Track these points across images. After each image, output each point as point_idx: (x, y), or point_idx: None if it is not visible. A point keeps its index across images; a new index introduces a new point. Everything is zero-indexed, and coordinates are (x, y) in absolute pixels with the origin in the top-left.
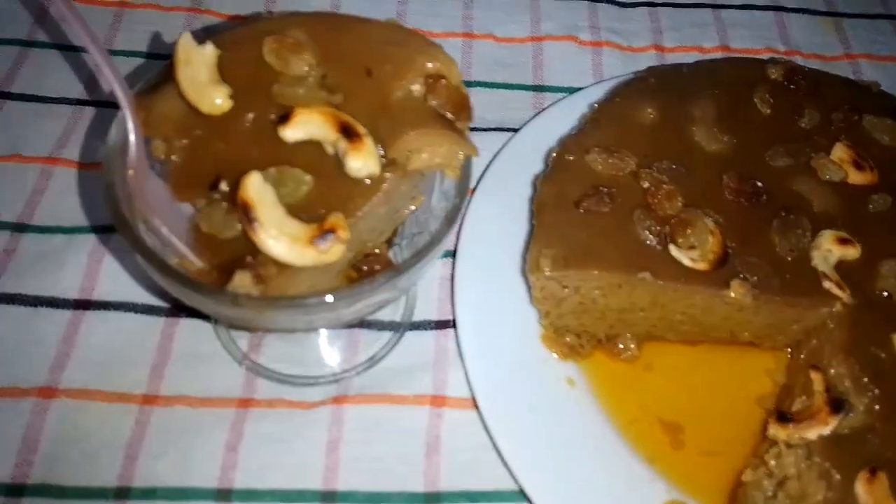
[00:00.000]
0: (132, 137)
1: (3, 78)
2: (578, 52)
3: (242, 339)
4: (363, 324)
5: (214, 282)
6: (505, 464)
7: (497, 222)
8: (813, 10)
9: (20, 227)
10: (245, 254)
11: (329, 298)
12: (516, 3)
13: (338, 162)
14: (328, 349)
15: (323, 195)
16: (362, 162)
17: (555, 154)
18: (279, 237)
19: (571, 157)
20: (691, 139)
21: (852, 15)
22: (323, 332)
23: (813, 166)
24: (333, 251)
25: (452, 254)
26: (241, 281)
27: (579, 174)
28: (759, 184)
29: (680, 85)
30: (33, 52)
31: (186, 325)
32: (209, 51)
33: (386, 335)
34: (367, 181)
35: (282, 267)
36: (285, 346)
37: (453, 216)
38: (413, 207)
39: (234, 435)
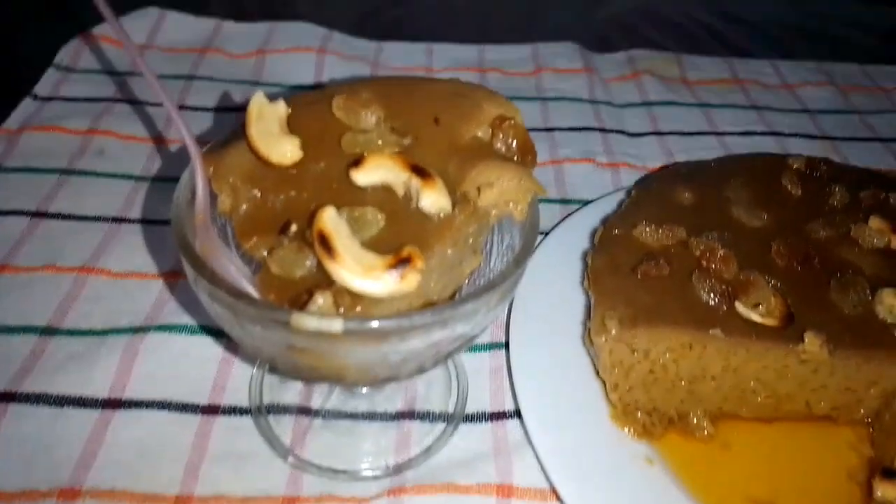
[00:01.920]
0: (200, 185)
1: (41, 201)
2: (597, 171)
3: (286, 434)
4: (414, 415)
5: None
6: None
7: (545, 307)
8: (808, 134)
9: (49, 331)
10: (317, 286)
11: (421, 316)
12: (534, 135)
13: (408, 203)
14: (379, 441)
15: (395, 233)
16: (435, 196)
17: (601, 230)
18: (355, 266)
19: (618, 231)
20: (731, 216)
21: (845, 138)
22: (372, 424)
23: (854, 236)
24: (409, 279)
25: (503, 345)
26: (323, 302)
27: (629, 245)
28: (810, 250)
29: (709, 173)
30: (72, 178)
31: (224, 422)
32: (281, 107)
33: (439, 426)
34: (438, 219)
35: (355, 298)
36: (334, 438)
37: (524, 255)
38: (474, 266)
39: None
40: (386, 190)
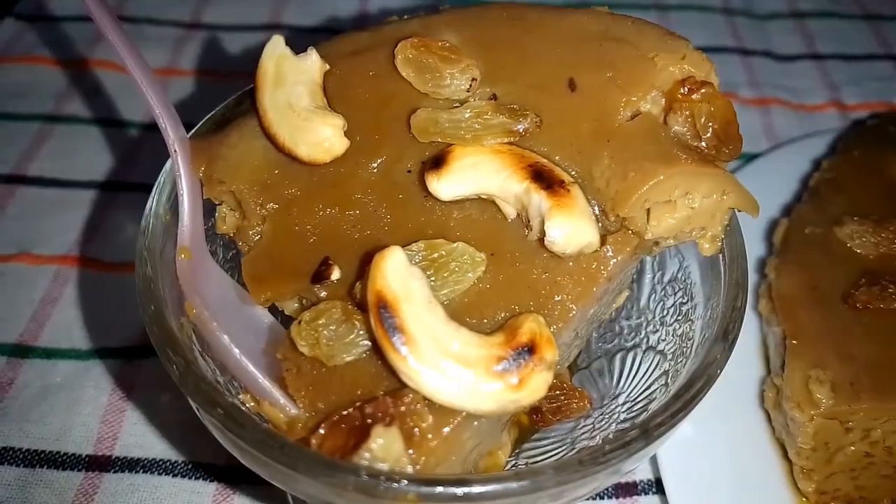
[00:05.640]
0: (186, 201)
1: (19, 159)
2: (741, 111)
3: None
4: None
5: (330, 446)
6: None
7: None
8: None
9: (20, 351)
10: (375, 391)
11: (566, 473)
12: None
13: (523, 232)
14: None
15: (504, 286)
16: (573, 227)
17: (785, 227)
18: (441, 361)
19: (813, 230)
20: None
21: None
22: None
23: None
24: (533, 385)
25: None
26: (387, 445)
27: (833, 254)
28: None
29: None
30: (58, 128)
31: (249, 495)
32: (313, 63)
33: None
34: (577, 262)
35: (439, 414)
36: None
37: (733, 323)
38: (614, 307)
39: None
40: (486, 208)
